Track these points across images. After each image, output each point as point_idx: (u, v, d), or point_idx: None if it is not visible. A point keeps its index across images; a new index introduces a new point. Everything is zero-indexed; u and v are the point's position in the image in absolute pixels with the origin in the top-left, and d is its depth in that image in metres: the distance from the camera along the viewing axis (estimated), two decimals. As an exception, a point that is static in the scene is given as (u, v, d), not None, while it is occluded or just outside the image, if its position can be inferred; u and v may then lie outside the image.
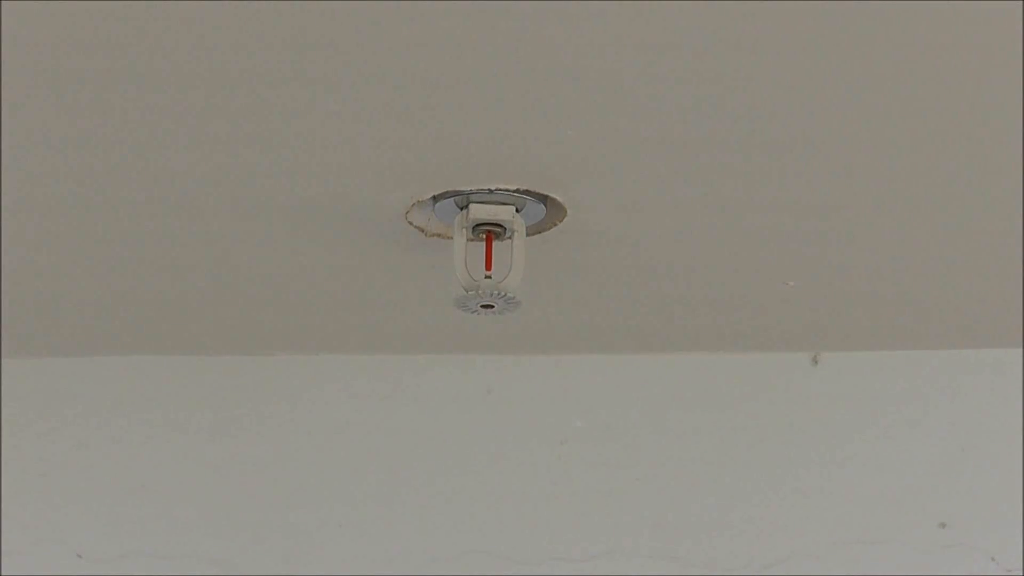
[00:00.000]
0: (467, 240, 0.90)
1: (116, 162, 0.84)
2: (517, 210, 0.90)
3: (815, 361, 1.29)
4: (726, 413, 1.29)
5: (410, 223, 0.94)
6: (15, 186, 0.87)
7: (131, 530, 1.28)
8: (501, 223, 0.90)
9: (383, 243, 0.97)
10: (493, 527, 1.28)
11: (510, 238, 0.91)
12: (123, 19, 0.68)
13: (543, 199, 0.90)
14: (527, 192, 0.89)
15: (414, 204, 0.91)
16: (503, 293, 0.90)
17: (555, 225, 0.94)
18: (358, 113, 0.78)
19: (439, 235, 0.94)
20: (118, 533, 1.28)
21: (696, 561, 1.27)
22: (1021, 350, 1.26)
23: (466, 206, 0.89)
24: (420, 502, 1.28)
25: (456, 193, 0.89)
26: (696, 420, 1.29)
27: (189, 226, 0.95)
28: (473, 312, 0.91)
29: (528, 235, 0.92)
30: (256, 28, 0.70)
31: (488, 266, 0.90)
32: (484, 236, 0.91)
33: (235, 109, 0.78)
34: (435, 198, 0.90)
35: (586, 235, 0.97)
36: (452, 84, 0.75)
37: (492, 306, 0.91)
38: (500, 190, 0.89)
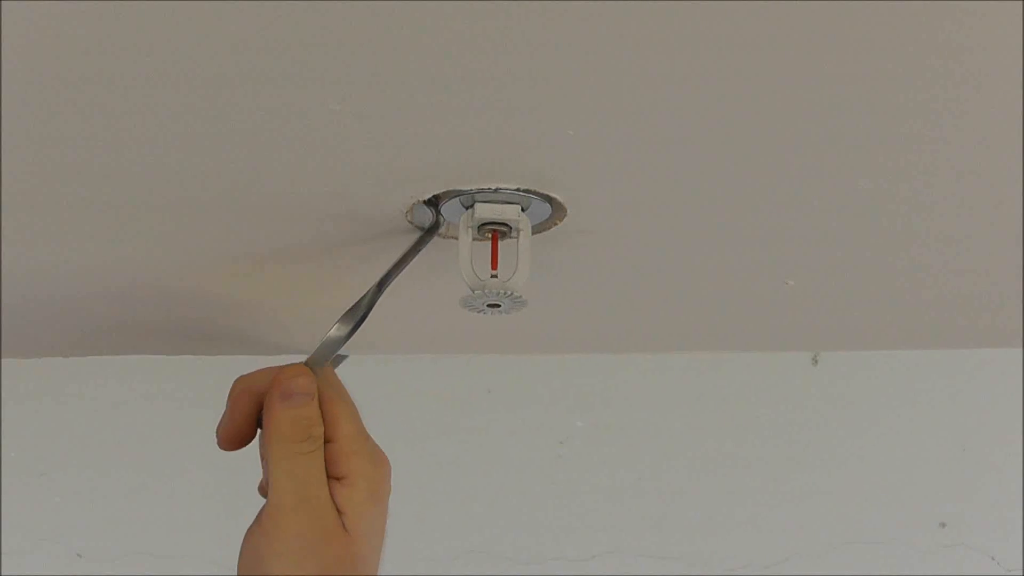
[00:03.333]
0: (472, 239, 0.90)
1: (115, 161, 0.84)
2: (523, 209, 0.90)
3: (815, 361, 1.29)
4: (726, 413, 1.29)
5: (411, 223, 0.94)
6: (15, 184, 0.87)
7: (131, 530, 1.28)
8: (507, 222, 0.90)
9: (384, 243, 0.97)
10: (493, 527, 1.28)
11: (515, 237, 0.91)
12: (121, 18, 0.68)
13: (548, 198, 0.90)
14: (531, 191, 0.89)
15: (415, 204, 0.91)
16: (510, 292, 0.90)
17: (556, 224, 0.94)
18: (360, 113, 0.78)
19: (443, 235, 0.94)
20: (118, 533, 1.28)
21: (696, 561, 1.27)
22: (1021, 350, 1.26)
23: (471, 205, 0.89)
24: (420, 502, 1.28)
25: (460, 193, 0.89)
26: (696, 420, 1.29)
27: (188, 226, 0.95)
28: (479, 312, 0.92)
29: (533, 234, 0.93)
30: (256, 28, 0.70)
31: (494, 265, 0.91)
32: (490, 235, 0.91)
33: (235, 109, 0.78)
34: (439, 197, 0.90)
35: (586, 234, 0.97)
36: (453, 83, 0.76)
37: (499, 305, 0.91)
38: (504, 189, 0.89)
